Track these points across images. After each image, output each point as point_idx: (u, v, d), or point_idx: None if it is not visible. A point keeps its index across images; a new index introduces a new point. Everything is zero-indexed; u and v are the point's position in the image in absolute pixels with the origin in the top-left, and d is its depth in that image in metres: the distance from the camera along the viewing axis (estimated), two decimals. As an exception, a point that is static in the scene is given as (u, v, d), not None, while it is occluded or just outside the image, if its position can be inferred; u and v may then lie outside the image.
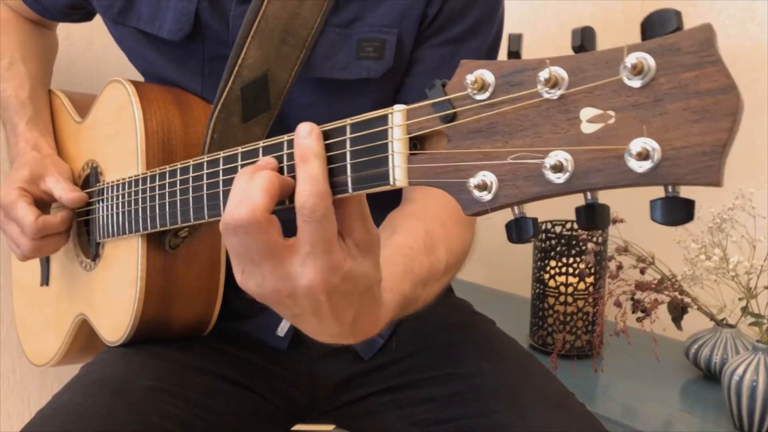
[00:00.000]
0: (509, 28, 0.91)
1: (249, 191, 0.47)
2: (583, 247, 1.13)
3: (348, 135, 0.49)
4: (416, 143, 0.46)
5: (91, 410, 0.72)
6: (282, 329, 0.90)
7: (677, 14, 0.37)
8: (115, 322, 0.82)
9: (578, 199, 0.40)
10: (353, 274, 0.49)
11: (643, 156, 0.36)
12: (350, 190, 0.49)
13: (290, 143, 0.52)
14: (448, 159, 0.44)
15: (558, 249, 1.18)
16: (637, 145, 0.36)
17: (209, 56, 0.85)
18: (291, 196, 0.50)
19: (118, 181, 0.79)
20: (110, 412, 0.72)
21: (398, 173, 0.45)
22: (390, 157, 0.46)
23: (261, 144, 0.55)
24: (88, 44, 1.17)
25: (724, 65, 0.35)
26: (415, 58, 0.84)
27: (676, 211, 0.37)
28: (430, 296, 0.69)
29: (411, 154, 0.46)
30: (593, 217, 0.40)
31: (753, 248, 1.05)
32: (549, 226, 1.23)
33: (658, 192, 0.38)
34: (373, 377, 0.90)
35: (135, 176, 0.75)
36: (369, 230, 0.50)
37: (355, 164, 0.48)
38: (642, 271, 1.17)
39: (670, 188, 0.37)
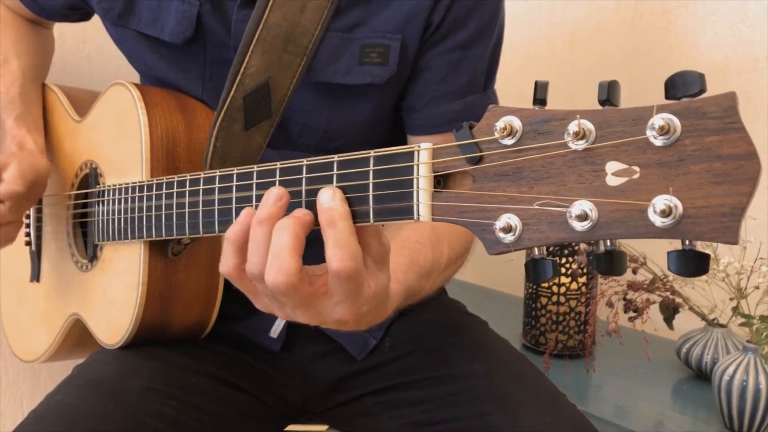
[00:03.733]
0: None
1: (281, 255, 0.50)
2: (576, 248, 1.16)
3: (371, 167, 0.50)
4: (440, 179, 0.48)
5: (83, 411, 0.73)
6: (275, 331, 0.92)
7: (701, 77, 0.40)
8: (113, 326, 0.82)
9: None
10: (375, 294, 0.53)
11: (666, 213, 0.38)
12: (371, 220, 0.50)
13: (309, 167, 0.53)
14: (473, 200, 0.45)
15: (550, 249, 1.20)
16: (660, 202, 0.39)
17: (210, 60, 0.85)
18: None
19: (120, 184, 0.79)
20: (102, 413, 0.73)
21: (423, 209, 0.47)
22: (415, 193, 0.47)
23: (279, 165, 0.56)
24: (81, 43, 1.15)
25: (746, 133, 0.37)
26: (420, 66, 0.85)
27: (693, 264, 0.39)
28: (432, 288, 0.74)
29: (435, 191, 0.47)
30: (611, 263, 0.42)
31: (743, 249, 1.06)
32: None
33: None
34: (365, 378, 0.91)
35: (140, 182, 0.75)
36: (383, 243, 0.53)
37: (377, 196, 0.50)
38: (634, 271, 1.19)
39: (687, 242, 0.39)
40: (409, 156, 0.48)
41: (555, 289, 1.19)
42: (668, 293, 1.12)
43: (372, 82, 0.83)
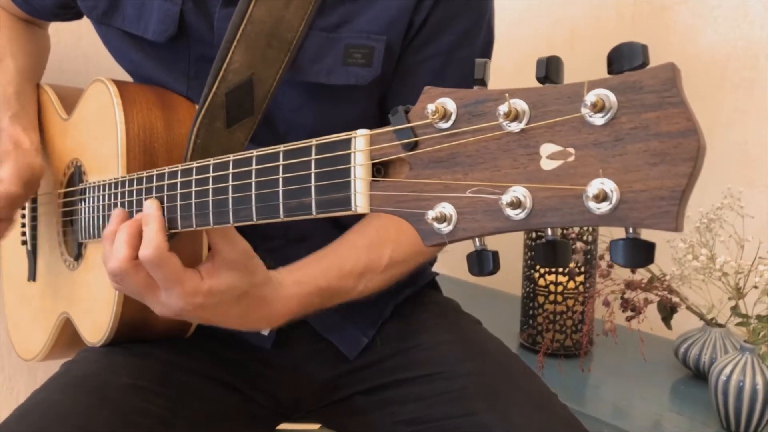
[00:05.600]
0: (502, 27, 0.90)
1: (117, 246, 0.63)
2: (573, 246, 1.12)
3: (313, 156, 0.48)
4: (380, 168, 0.45)
5: (68, 408, 0.72)
6: (266, 329, 0.90)
7: (644, 48, 0.36)
8: (95, 324, 0.82)
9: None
10: (217, 289, 0.63)
11: (601, 198, 0.35)
12: (314, 213, 0.48)
13: (287, 153, 0.51)
14: (409, 188, 0.43)
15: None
16: (595, 186, 0.35)
17: (195, 58, 0.84)
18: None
19: (98, 182, 0.79)
20: (87, 410, 0.72)
21: (360, 199, 0.45)
22: (352, 183, 0.45)
23: (255, 153, 0.53)
24: (77, 40, 1.16)
25: (686, 107, 0.34)
26: (405, 68, 0.83)
27: (637, 254, 0.36)
28: (372, 287, 0.79)
29: (373, 180, 0.45)
30: (553, 254, 0.39)
31: (741, 248, 1.03)
32: (541, 223, 1.22)
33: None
34: (358, 376, 0.90)
35: (114, 179, 0.74)
36: (235, 247, 0.63)
37: (319, 187, 0.47)
38: (633, 270, 1.16)
39: (631, 230, 0.36)
40: (347, 143, 0.46)
41: (552, 288, 1.16)
42: (666, 292, 1.07)
43: (356, 83, 0.81)
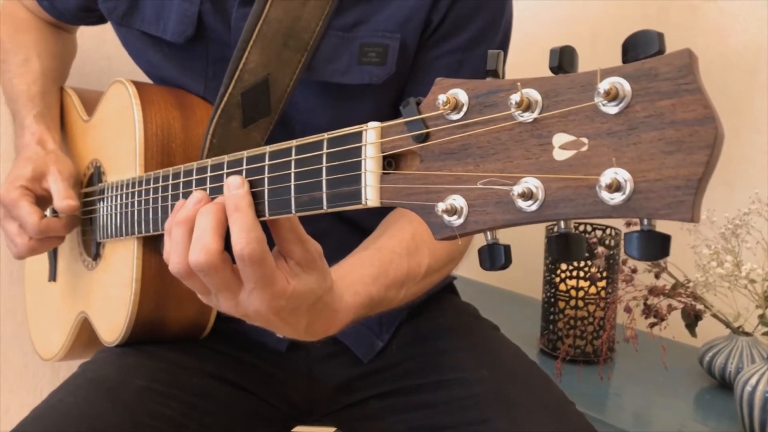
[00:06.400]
0: (521, 26, 0.89)
1: (203, 236, 0.52)
2: (595, 251, 1.11)
3: (325, 150, 0.48)
4: (391, 161, 0.45)
5: (82, 410, 0.72)
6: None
7: (659, 36, 0.35)
8: (111, 323, 0.82)
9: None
10: (297, 293, 0.55)
11: (614, 188, 0.34)
12: (325, 207, 0.48)
13: (299, 148, 0.51)
14: (420, 180, 0.42)
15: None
16: (608, 176, 0.34)
17: (212, 59, 0.85)
18: None
19: (116, 181, 0.79)
20: (100, 413, 0.72)
21: (370, 192, 0.44)
22: (363, 176, 0.44)
23: (268, 149, 0.53)
24: (101, 43, 1.17)
25: (703, 94, 0.33)
26: (420, 66, 0.82)
27: (651, 246, 0.35)
28: (408, 296, 0.75)
29: (384, 173, 0.44)
30: (566, 248, 0.38)
31: None
32: (562, 227, 1.21)
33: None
34: (372, 380, 0.89)
35: (132, 178, 0.75)
36: (308, 249, 0.55)
37: (330, 180, 0.47)
38: (657, 275, 1.13)
39: (645, 221, 0.35)
40: (358, 137, 0.45)
41: (573, 293, 1.14)
42: (690, 299, 1.05)
43: (370, 82, 0.81)
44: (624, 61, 0.36)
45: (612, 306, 1.11)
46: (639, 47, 0.36)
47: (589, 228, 1.19)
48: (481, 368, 0.82)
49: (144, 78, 0.90)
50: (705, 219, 1.05)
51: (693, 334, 1.11)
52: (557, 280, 1.17)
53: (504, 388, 0.79)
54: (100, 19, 1.02)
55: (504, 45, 0.85)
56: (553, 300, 1.17)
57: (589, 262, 1.13)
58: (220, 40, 0.83)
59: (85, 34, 1.12)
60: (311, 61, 0.78)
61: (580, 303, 1.14)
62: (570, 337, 1.14)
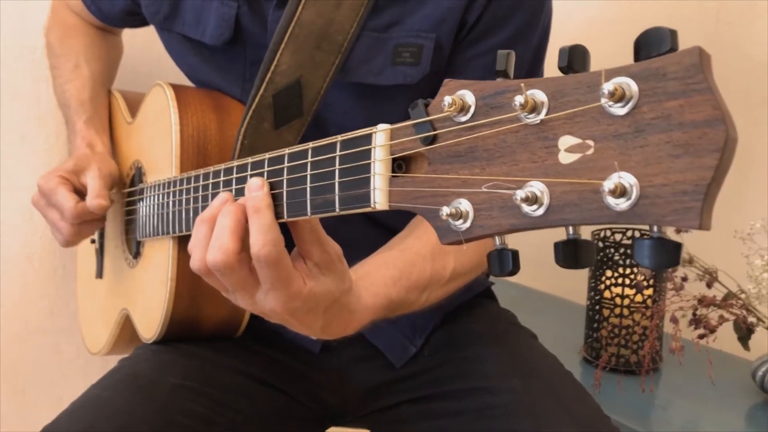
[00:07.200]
0: (569, 28, 0.86)
1: (221, 236, 0.53)
2: (637, 259, 1.06)
3: (338, 152, 0.47)
4: (401, 164, 0.44)
5: (116, 406, 0.74)
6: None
7: (672, 33, 0.33)
8: (149, 320, 0.84)
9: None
10: (314, 294, 0.55)
11: (620, 193, 0.33)
12: (337, 210, 0.47)
13: (315, 150, 0.50)
14: (428, 183, 0.41)
15: (615, 258, 1.11)
16: (612, 180, 0.33)
17: (250, 61, 0.86)
18: None
19: (154, 182, 0.81)
20: (134, 409, 0.74)
21: (378, 196, 0.44)
22: (371, 179, 0.44)
23: (287, 151, 0.53)
24: (151, 44, 1.20)
25: (713, 94, 0.31)
26: (455, 67, 0.81)
27: (662, 255, 0.33)
28: (431, 299, 0.74)
29: (393, 176, 0.43)
30: (574, 254, 0.36)
31: None
32: (607, 233, 1.17)
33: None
34: (404, 385, 0.89)
35: (167, 179, 0.77)
36: (327, 251, 0.55)
37: (342, 183, 0.47)
38: (709, 285, 1.09)
39: (655, 228, 0.33)
40: (368, 139, 0.45)
41: (618, 300, 1.10)
42: (743, 311, 1.00)
43: (404, 83, 0.80)
44: (636, 60, 0.34)
45: (658, 315, 1.07)
46: (651, 45, 0.34)
47: (637, 234, 1.15)
48: (514, 377, 0.80)
49: (186, 81, 0.92)
50: (760, 227, 1.00)
51: (746, 347, 1.06)
52: (602, 287, 1.13)
53: (534, 399, 0.77)
54: (142, 22, 1.05)
55: (542, 45, 0.83)
56: (597, 307, 1.14)
57: (635, 270, 1.09)
58: (257, 42, 0.84)
59: (136, 36, 1.16)
60: (345, 63, 0.78)
61: (625, 311, 1.11)
62: (613, 346, 1.11)
